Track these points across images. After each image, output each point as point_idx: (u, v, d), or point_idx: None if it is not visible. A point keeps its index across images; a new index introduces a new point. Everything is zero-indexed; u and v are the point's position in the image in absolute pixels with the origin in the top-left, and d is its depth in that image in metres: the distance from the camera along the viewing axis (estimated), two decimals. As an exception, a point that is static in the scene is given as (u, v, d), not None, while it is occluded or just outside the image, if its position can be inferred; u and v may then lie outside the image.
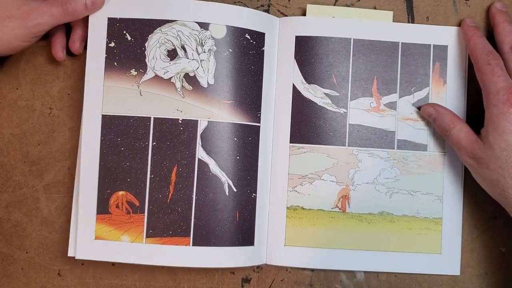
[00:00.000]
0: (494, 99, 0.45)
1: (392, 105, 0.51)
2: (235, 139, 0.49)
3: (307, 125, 0.50)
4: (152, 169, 0.49)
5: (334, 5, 0.53)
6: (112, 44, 0.49)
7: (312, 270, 0.51)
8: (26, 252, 0.51)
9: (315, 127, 0.50)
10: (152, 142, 0.49)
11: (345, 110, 0.51)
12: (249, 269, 0.51)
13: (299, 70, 0.51)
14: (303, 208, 0.50)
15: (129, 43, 0.49)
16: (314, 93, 0.50)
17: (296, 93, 0.51)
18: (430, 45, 0.51)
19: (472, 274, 0.50)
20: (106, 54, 0.49)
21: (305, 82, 0.50)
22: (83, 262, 0.51)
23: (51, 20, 0.46)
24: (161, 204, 0.48)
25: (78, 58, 0.52)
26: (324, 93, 0.50)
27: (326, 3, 0.53)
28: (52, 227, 0.51)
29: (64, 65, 0.52)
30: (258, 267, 0.51)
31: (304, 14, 0.52)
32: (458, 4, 0.53)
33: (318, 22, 0.51)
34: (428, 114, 0.50)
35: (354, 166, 0.50)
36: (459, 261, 0.50)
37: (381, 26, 0.51)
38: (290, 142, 0.50)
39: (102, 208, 0.49)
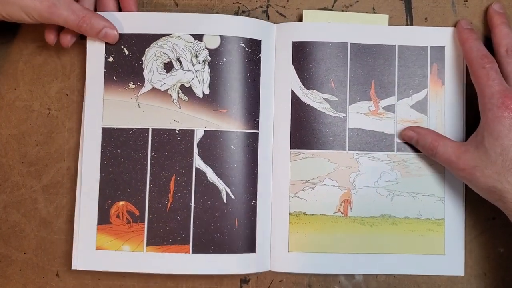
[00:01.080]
0: (489, 103, 0.45)
1: (390, 108, 0.51)
2: (232, 147, 0.49)
3: (307, 130, 0.50)
4: (152, 179, 0.50)
5: (333, 5, 0.52)
6: (111, 59, 0.50)
7: (312, 271, 0.51)
8: (24, 253, 0.51)
9: (315, 132, 0.50)
10: (151, 153, 0.50)
11: (344, 115, 0.51)
12: (248, 271, 0.51)
13: (297, 76, 0.50)
14: (306, 214, 0.50)
15: (127, 57, 0.50)
16: (313, 98, 0.50)
17: (295, 98, 0.50)
18: (427, 46, 0.51)
19: (470, 274, 0.51)
20: (105, 68, 0.50)
21: (303, 87, 0.50)
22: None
23: (63, 23, 0.47)
24: (160, 213, 0.49)
25: (76, 58, 0.52)
26: (323, 98, 0.50)
27: (325, 3, 0.52)
28: (51, 228, 0.51)
29: (63, 66, 0.52)
30: (258, 269, 0.51)
31: (301, 18, 0.52)
32: (456, 5, 0.52)
33: (315, 28, 0.51)
34: (409, 137, 0.50)
35: (355, 170, 0.50)
36: (462, 261, 0.50)
37: (377, 29, 0.51)
38: (290, 148, 0.50)
39: (103, 218, 0.50)
